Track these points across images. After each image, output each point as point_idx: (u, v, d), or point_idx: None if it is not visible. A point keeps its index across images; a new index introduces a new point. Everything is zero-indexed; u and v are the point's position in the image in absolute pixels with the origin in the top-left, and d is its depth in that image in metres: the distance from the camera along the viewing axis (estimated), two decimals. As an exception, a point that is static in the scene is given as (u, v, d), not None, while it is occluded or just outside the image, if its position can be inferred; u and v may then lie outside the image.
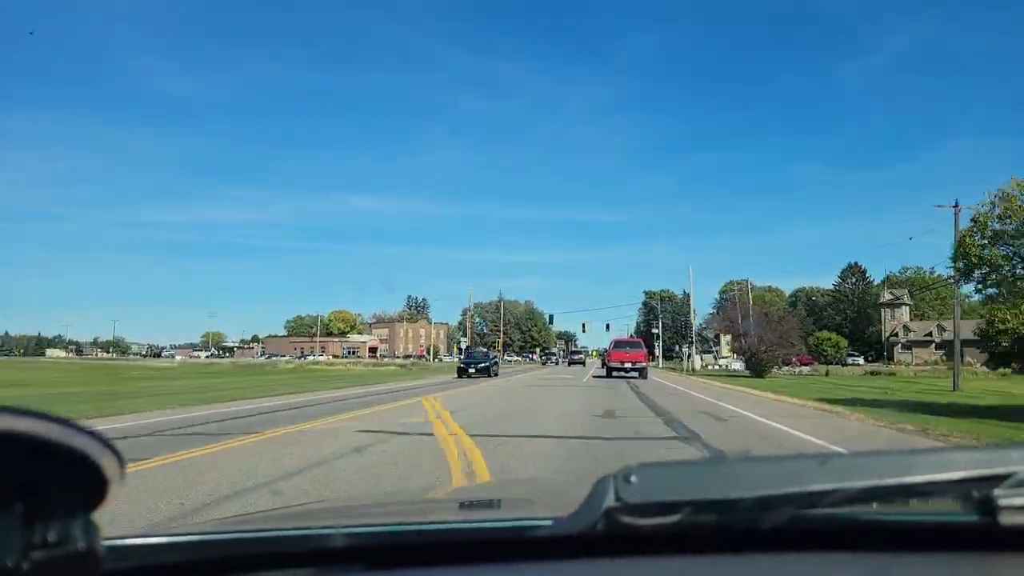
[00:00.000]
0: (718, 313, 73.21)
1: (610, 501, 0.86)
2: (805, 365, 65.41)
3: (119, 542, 0.95)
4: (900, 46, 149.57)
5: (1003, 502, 0.90)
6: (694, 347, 67.16)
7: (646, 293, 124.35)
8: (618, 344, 38.65)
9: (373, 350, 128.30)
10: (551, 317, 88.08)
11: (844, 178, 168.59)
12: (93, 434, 0.65)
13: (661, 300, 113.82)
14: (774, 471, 0.91)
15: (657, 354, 75.40)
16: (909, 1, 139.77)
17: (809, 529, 0.98)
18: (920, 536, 1.04)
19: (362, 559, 1.00)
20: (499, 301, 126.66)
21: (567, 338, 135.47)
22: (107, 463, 0.65)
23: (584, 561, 0.97)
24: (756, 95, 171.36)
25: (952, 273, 20.60)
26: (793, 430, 11.80)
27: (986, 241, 17.56)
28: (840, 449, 8.51)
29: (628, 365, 35.42)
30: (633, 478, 0.85)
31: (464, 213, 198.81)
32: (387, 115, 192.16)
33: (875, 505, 1.02)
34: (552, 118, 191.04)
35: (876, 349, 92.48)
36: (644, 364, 36.29)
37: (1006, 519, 0.91)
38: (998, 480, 0.88)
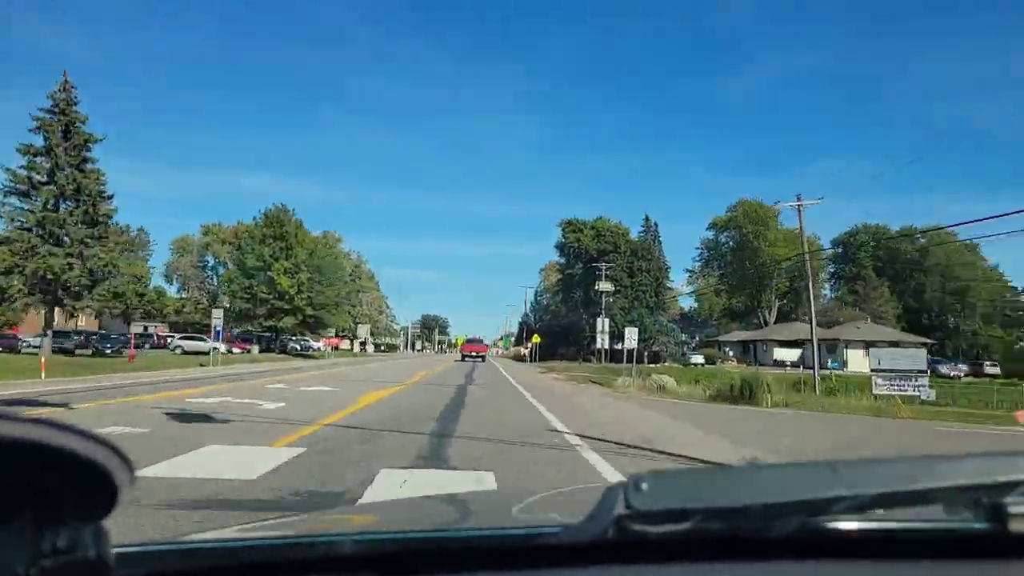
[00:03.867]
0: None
1: (620, 508, 0.87)
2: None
3: (129, 549, 0.94)
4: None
5: (1013, 509, 0.91)
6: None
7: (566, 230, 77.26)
8: (469, 341, 68.58)
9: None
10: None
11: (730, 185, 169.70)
12: (103, 441, 0.65)
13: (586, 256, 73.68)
14: (784, 478, 0.93)
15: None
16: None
17: (819, 537, 0.98)
18: (930, 544, 1.03)
19: (370, 567, 1.00)
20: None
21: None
22: (117, 470, 0.65)
23: (595, 568, 0.97)
24: (659, 102, 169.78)
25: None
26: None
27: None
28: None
29: (474, 354, 62.78)
30: (644, 485, 0.86)
31: (351, 196, 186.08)
32: (277, 89, 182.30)
33: (885, 512, 1.02)
34: (454, 109, 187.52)
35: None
36: (484, 353, 66.78)
37: (1016, 526, 0.92)
38: (1008, 487, 0.89)
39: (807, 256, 33.55)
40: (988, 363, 55.17)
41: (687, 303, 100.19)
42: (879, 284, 76.38)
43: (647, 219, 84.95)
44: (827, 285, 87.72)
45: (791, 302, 79.88)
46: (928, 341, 62.05)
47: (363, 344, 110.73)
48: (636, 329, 37.03)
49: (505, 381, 28.35)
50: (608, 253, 70.56)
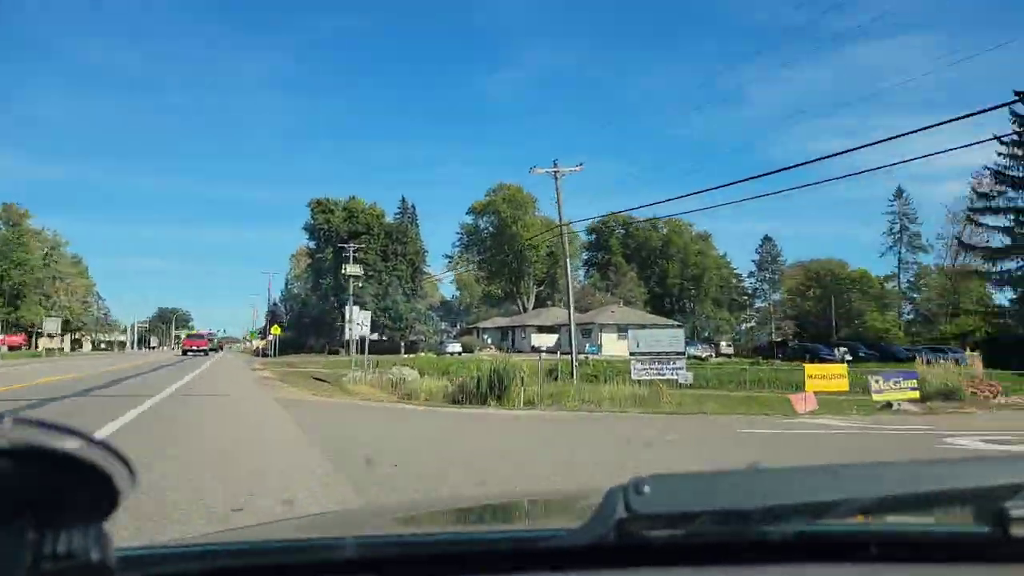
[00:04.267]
0: None
1: (621, 512, 0.87)
2: None
3: (130, 552, 0.95)
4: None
5: (1015, 513, 0.91)
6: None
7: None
8: (190, 336, 72.06)
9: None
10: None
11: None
12: (104, 445, 0.64)
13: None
14: (785, 482, 0.93)
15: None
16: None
17: (820, 540, 0.99)
18: (931, 547, 1.03)
19: (372, 569, 0.99)
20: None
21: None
22: (118, 473, 0.65)
23: (595, 572, 0.97)
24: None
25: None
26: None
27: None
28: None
29: (196, 348, 62.44)
30: (645, 488, 0.86)
31: (70, 175, 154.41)
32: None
33: (885, 516, 1.03)
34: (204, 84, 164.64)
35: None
36: (205, 348, 64.90)
37: (1017, 530, 0.92)
38: (1010, 491, 0.90)
39: (564, 229, 30.34)
40: (724, 343, 58.28)
41: (450, 291, 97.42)
42: (628, 270, 78.82)
43: (404, 201, 79.99)
44: (581, 272, 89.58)
45: (548, 288, 79.93)
46: (676, 323, 64.44)
47: (76, 342, 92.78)
48: (368, 314, 31.35)
49: (175, 382, 22.02)
50: (360, 235, 64.42)
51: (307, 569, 0.99)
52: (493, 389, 19.22)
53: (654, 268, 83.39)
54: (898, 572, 1.00)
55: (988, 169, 39.88)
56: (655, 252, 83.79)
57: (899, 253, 75.58)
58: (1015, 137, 39.13)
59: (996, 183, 40.12)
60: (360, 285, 62.53)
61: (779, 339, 63.88)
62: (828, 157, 29.19)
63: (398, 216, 76.79)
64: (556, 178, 29.51)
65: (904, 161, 28.21)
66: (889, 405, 17.17)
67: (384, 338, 62.59)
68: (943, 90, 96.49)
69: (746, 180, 28.55)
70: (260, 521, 4.45)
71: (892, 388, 17.30)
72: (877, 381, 17.41)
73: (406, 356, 48.06)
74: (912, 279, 76.08)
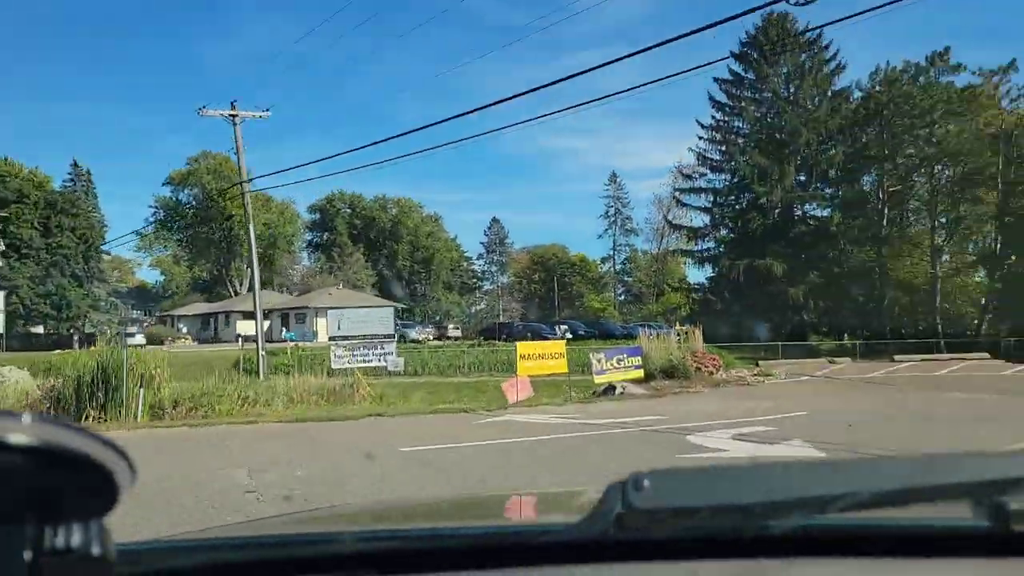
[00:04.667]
0: None
1: (621, 507, 0.87)
2: None
3: (131, 547, 0.95)
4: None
5: (1014, 507, 0.92)
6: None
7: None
8: None
9: None
10: None
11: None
12: (105, 440, 0.64)
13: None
14: (785, 476, 0.94)
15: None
16: None
17: (820, 534, 0.99)
18: (931, 542, 1.03)
19: (372, 564, 0.98)
20: None
21: None
22: (119, 469, 0.64)
23: (596, 566, 0.97)
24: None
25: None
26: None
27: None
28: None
29: None
30: (645, 483, 0.86)
31: None
32: None
33: (886, 510, 1.02)
34: None
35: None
36: None
37: (1017, 525, 0.93)
38: (1009, 485, 0.90)
39: (245, 186, 24.46)
40: (451, 326, 55.86)
41: (153, 276, 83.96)
42: (355, 250, 73.53)
43: (76, 166, 66.10)
44: (305, 254, 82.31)
45: (266, 271, 71.65)
46: (399, 305, 60.88)
47: None
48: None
49: None
50: (9, 204, 51.18)
51: (306, 563, 0.98)
52: (95, 396, 13.27)
53: (383, 250, 79.18)
54: (898, 566, 1.00)
55: (690, 150, 41.57)
56: (384, 233, 79.61)
57: (614, 236, 79.96)
58: (712, 120, 41.38)
59: (698, 164, 42.05)
60: (10, 265, 49.84)
61: (507, 320, 63.48)
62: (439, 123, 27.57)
63: (68, 185, 63.18)
64: (235, 123, 23.54)
65: (593, 101, 26.61)
66: (612, 388, 14.79)
67: (50, 331, 50.57)
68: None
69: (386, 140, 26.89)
70: None
71: (615, 367, 14.83)
72: (599, 360, 14.72)
73: (63, 352, 38.08)
74: (624, 261, 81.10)
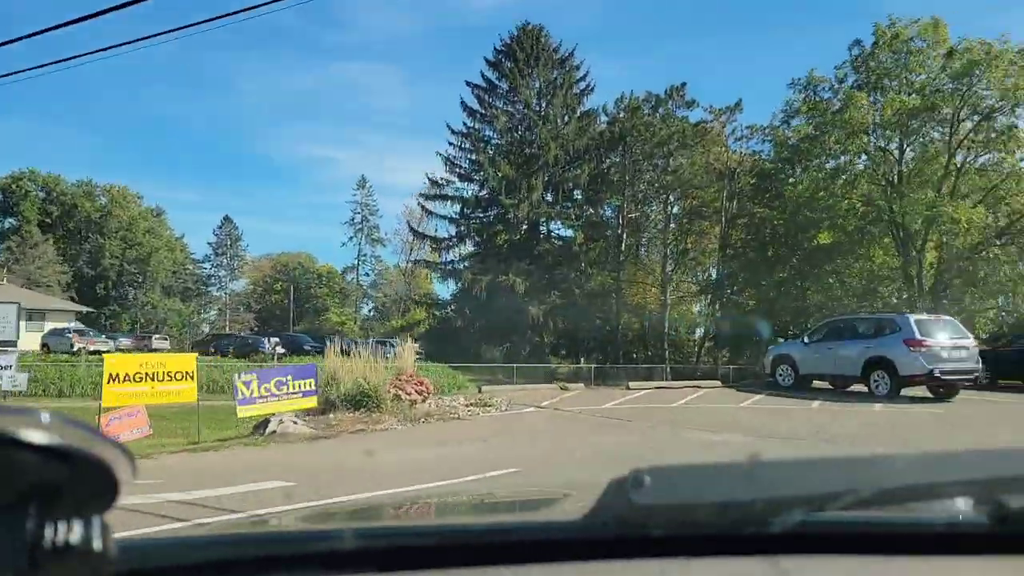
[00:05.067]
0: None
1: (622, 503, 0.87)
2: None
3: (130, 543, 0.95)
4: None
5: (1014, 505, 0.93)
6: None
7: None
8: None
9: None
10: None
11: None
12: (104, 437, 0.65)
13: None
14: (786, 474, 0.96)
15: None
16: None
17: (820, 532, 0.99)
18: (931, 539, 1.03)
19: (372, 561, 0.98)
20: None
21: None
22: (120, 465, 0.65)
23: (596, 563, 0.96)
24: None
25: None
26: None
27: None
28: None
29: None
30: (646, 480, 0.86)
31: None
32: None
33: (886, 508, 1.03)
34: None
35: None
36: None
37: (1016, 522, 0.93)
38: (1009, 483, 0.92)
39: None
40: (157, 337, 47.16)
41: None
42: (42, 241, 60.48)
43: None
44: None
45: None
46: (88, 310, 50.53)
47: None
48: None
49: None
50: None
51: (307, 559, 0.98)
52: None
53: (84, 244, 66.58)
54: (898, 563, 1.00)
55: (439, 155, 38.73)
56: (90, 225, 67.07)
57: (359, 244, 75.26)
58: (463, 127, 38.99)
59: (447, 171, 39.30)
60: None
61: (230, 332, 55.75)
62: None
63: None
64: None
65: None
66: (265, 424, 10.56)
67: None
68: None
69: None
70: None
71: (274, 394, 10.65)
72: (248, 384, 10.38)
73: None
74: (369, 272, 76.70)
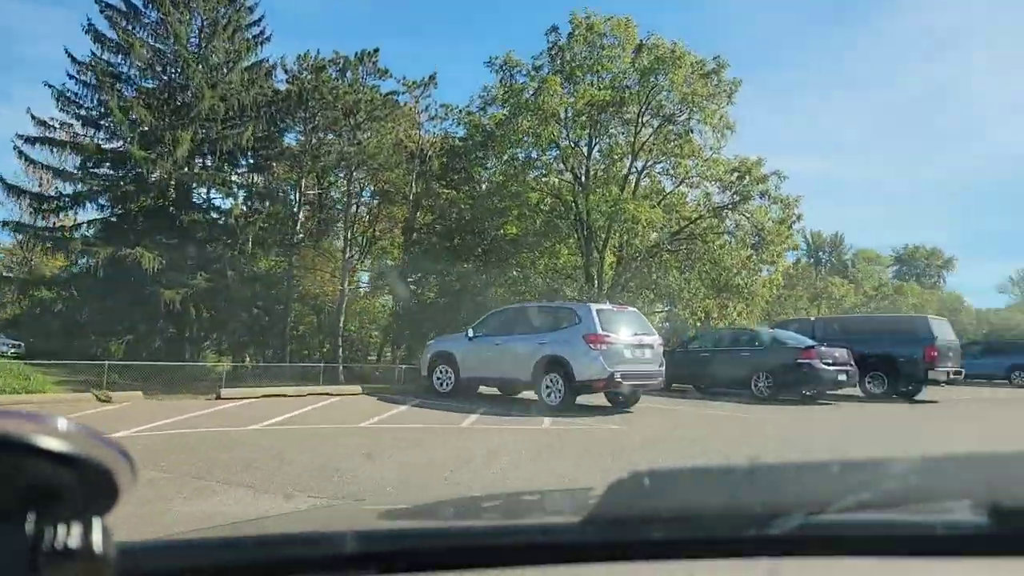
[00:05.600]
0: None
1: (621, 506, 0.88)
2: None
3: (131, 545, 0.95)
4: None
5: (1014, 507, 0.94)
6: None
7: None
8: None
9: None
10: None
11: None
12: (107, 441, 0.65)
13: None
14: (785, 477, 0.98)
15: None
16: None
17: (820, 534, 0.99)
18: (931, 541, 1.03)
19: (372, 563, 0.98)
20: None
21: None
22: (120, 469, 0.65)
23: (596, 565, 0.96)
24: None
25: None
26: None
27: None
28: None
29: None
30: (646, 482, 0.86)
31: None
32: None
33: (885, 510, 1.03)
34: None
35: None
36: None
37: (1016, 523, 0.94)
38: (1007, 484, 0.93)
39: None
40: None
41: None
42: None
43: None
44: None
45: None
46: None
47: None
48: None
49: None
50: None
51: (307, 562, 0.97)
52: None
53: None
54: (897, 566, 1.00)
55: (48, 86, 29.18)
56: None
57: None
58: (90, 56, 29.97)
59: (60, 108, 29.80)
60: None
61: None
62: None
63: None
64: None
65: None
66: None
67: None
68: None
69: None
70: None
71: None
72: None
73: None
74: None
